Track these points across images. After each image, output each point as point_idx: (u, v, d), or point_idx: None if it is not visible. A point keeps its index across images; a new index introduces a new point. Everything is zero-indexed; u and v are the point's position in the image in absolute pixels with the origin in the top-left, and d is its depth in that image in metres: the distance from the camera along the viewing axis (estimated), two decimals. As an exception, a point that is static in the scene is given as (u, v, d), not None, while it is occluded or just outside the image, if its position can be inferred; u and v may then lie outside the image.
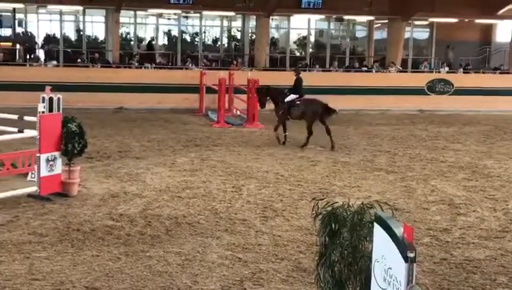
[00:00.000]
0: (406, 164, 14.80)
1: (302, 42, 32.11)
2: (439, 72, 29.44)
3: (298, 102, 17.40)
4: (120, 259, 7.85)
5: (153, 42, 30.08)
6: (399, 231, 4.37)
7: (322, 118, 17.10)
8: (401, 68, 29.58)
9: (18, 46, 27.84)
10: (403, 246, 4.28)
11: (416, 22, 31.59)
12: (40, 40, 28.47)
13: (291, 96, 17.46)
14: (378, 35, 32.39)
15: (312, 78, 26.97)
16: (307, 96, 17.65)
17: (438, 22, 31.21)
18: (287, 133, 17.25)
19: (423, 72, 29.60)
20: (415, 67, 31.11)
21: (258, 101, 18.71)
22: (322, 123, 17.00)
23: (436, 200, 11.42)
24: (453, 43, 31.36)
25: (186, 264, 7.78)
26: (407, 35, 31.24)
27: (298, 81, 17.79)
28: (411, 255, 4.23)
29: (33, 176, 11.09)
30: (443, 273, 7.80)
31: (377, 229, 4.69)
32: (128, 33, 30.12)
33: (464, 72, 29.66)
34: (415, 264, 4.25)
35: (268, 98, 18.03)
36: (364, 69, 29.41)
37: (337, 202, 5.60)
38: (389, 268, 4.47)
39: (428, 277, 7.63)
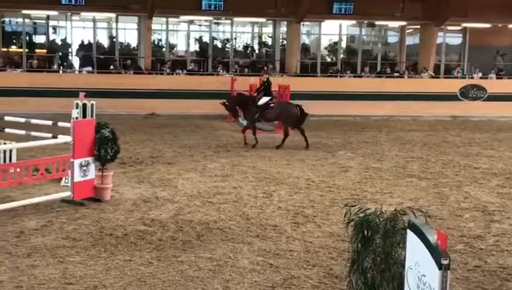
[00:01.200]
0: (439, 170, 14.66)
1: (333, 48, 32.02)
2: (472, 77, 29.14)
3: (272, 104, 17.55)
4: (152, 264, 7.90)
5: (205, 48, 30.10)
6: (433, 238, 4.34)
7: (298, 121, 17.46)
8: (433, 74, 29.35)
9: (53, 53, 28.23)
10: (437, 253, 4.25)
11: (449, 27, 31.30)
12: (73, 47, 28.78)
13: (265, 99, 17.55)
14: (411, 40, 32.17)
15: (343, 83, 27.01)
16: (279, 99, 18.04)
17: (471, 27, 30.90)
18: (246, 135, 17.35)
19: (456, 77, 29.32)
20: (447, 73, 30.82)
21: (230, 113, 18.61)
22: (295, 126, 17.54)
23: (470, 207, 11.29)
24: (485, 49, 30.99)
25: (218, 269, 7.79)
26: (439, 40, 30.99)
27: (268, 83, 17.95)
28: (445, 262, 4.20)
29: (67, 181, 11.22)
30: (477, 281, 7.70)
31: (411, 236, 4.66)
32: (160, 40, 30.34)
33: (497, 78, 29.32)
34: (449, 272, 4.21)
35: (237, 106, 18.05)
36: (396, 74, 29.23)
37: (369, 209, 5.58)
38: (422, 275, 4.44)
39: (461, 284, 7.55)
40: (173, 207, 10.72)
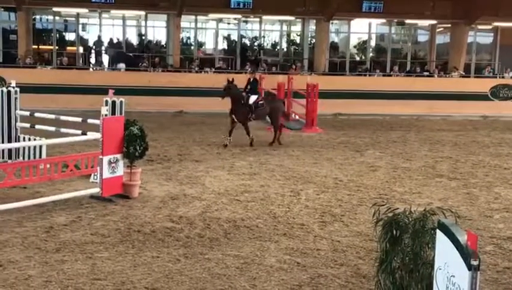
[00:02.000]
0: (469, 171, 14.51)
1: (362, 46, 31.90)
2: (503, 77, 28.81)
3: (261, 102, 17.47)
4: (179, 261, 7.92)
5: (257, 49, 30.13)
6: (463, 238, 4.29)
7: (284, 113, 17.91)
8: (463, 73, 29.06)
9: (82, 50, 28.54)
10: (467, 253, 4.20)
11: (480, 26, 30.97)
12: (103, 45, 29.03)
13: (253, 98, 17.35)
14: (441, 39, 31.92)
15: (372, 82, 26.87)
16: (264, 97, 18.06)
17: (502, 26, 30.53)
18: (230, 137, 16.97)
19: (487, 77, 29.00)
20: (478, 72, 30.51)
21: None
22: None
23: (500, 208, 11.15)
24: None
25: (245, 267, 7.79)
26: (470, 39, 30.67)
27: (256, 81, 17.74)
28: (475, 263, 4.15)
29: (95, 177, 11.30)
30: (506, 283, 7.60)
31: (440, 236, 4.62)
32: (188, 38, 30.46)
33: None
34: (478, 273, 4.16)
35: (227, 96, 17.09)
36: (426, 74, 29.01)
37: (398, 208, 5.54)
38: (451, 276, 4.40)
39: (491, 285, 7.45)
40: (201, 204, 10.75)
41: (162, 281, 7.24)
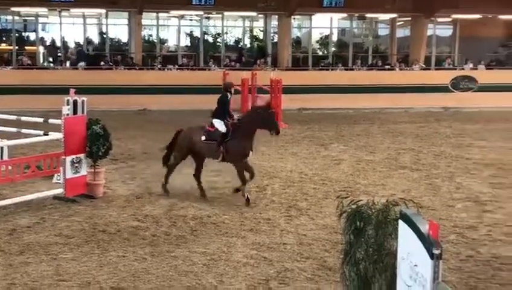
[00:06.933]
0: (431, 162, 14.70)
1: (324, 41, 32.02)
2: (462, 69, 29.19)
3: None
4: (146, 259, 7.89)
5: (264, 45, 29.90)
6: (424, 228, 4.35)
7: None
8: (424, 66, 29.39)
9: (42, 49, 28.15)
10: (429, 243, 4.26)
11: (439, 19, 31.32)
12: (63, 44, 28.69)
13: None
14: (401, 33, 32.21)
15: (335, 77, 27.01)
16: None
17: (461, 18, 30.91)
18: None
19: (447, 69, 29.37)
20: (438, 64, 30.87)
21: None
22: None
23: (462, 198, 11.34)
24: (476, 39, 30.98)
25: (212, 264, 7.80)
26: (430, 32, 31.00)
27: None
28: (437, 252, 4.21)
29: (59, 178, 11.18)
30: (470, 271, 7.73)
31: (402, 226, 4.67)
32: (150, 35, 30.26)
33: (486, 69, 29.36)
34: (441, 261, 4.23)
35: None
36: (388, 67, 29.27)
37: (361, 200, 5.60)
38: (414, 265, 4.46)
39: (454, 274, 7.58)
40: (166, 203, 10.72)
41: (129, 280, 7.21)
